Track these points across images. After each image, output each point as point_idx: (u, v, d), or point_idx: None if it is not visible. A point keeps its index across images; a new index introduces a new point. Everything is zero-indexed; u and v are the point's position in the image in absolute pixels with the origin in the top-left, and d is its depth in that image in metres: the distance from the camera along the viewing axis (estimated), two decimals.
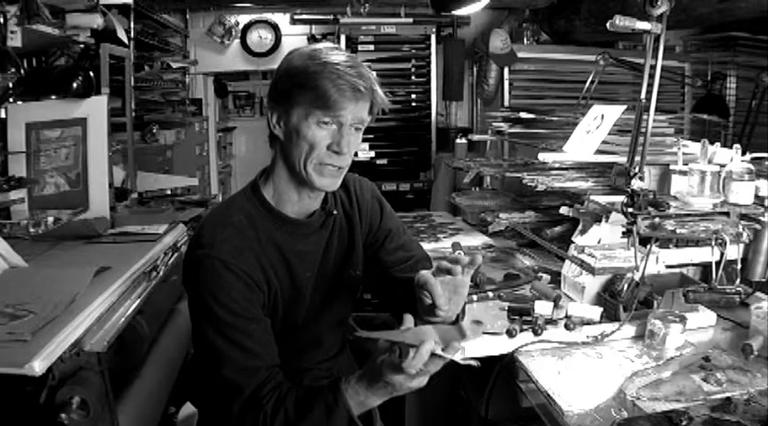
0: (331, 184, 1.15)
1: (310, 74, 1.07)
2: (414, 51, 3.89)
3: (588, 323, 1.43)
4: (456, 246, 2.08)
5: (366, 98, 1.10)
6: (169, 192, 2.82)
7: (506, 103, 3.87)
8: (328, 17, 4.13)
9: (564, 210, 1.83)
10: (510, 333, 1.38)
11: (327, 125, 1.09)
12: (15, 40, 1.84)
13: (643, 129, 1.51)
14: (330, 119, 1.09)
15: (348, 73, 1.07)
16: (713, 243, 1.53)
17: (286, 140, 1.13)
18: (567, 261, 1.69)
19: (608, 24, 1.48)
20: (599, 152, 1.86)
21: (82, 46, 2.32)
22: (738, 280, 1.59)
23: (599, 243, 1.65)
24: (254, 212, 1.17)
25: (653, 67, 1.49)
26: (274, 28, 4.20)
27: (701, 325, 1.46)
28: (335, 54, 1.10)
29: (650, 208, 1.49)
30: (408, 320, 0.99)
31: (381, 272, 1.33)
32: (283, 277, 1.18)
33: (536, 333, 1.38)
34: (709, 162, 1.64)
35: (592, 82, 2.66)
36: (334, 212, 1.25)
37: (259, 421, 1.03)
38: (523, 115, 2.48)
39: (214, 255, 1.08)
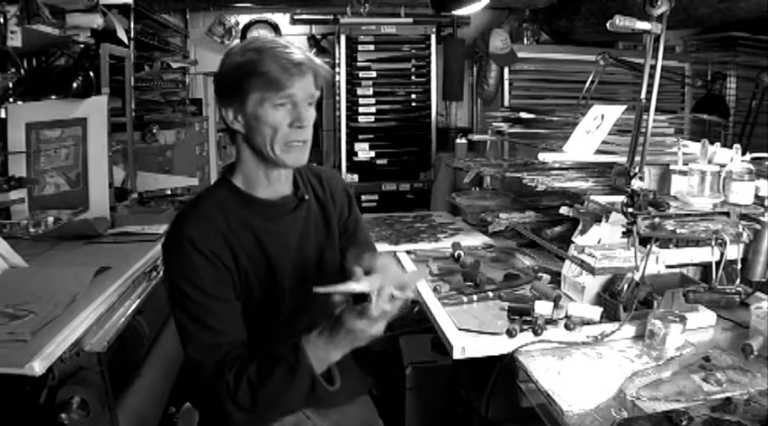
0: (299, 158, 1.20)
1: (253, 62, 1.12)
2: (414, 51, 3.89)
3: (588, 323, 1.43)
4: (456, 246, 2.08)
5: (310, 71, 1.15)
6: (169, 192, 2.82)
7: (506, 103, 3.86)
8: (328, 17, 4.13)
9: (564, 210, 1.83)
10: (510, 333, 1.38)
11: (283, 105, 1.14)
12: (15, 40, 1.84)
13: (643, 129, 1.51)
14: (284, 99, 1.14)
15: (285, 52, 1.13)
16: (713, 243, 1.53)
17: (248, 131, 1.18)
18: (567, 261, 1.69)
19: (608, 24, 1.48)
20: (599, 152, 1.86)
21: (82, 46, 2.32)
22: (738, 280, 1.58)
23: (599, 243, 1.65)
24: (223, 198, 1.21)
25: (653, 67, 1.49)
26: (274, 28, 4.20)
27: (701, 325, 1.46)
28: (268, 40, 1.17)
29: (650, 208, 1.49)
30: (358, 272, 1.03)
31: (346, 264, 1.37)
32: (257, 258, 1.20)
33: (536, 333, 1.38)
34: (710, 162, 1.64)
35: (592, 82, 2.66)
36: (306, 197, 1.29)
37: (223, 393, 1.05)
38: (523, 115, 2.48)
39: (182, 235, 1.14)
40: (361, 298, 0.98)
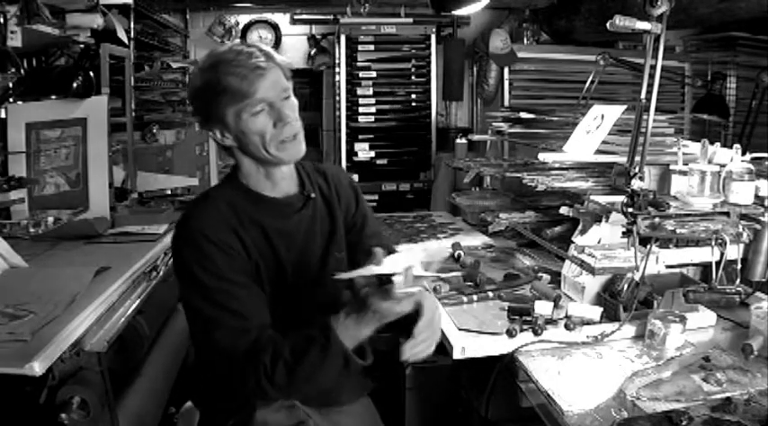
0: (297, 152, 1.21)
1: (212, 82, 1.12)
2: (414, 51, 3.88)
3: (588, 323, 1.43)
4: (456, 246, 2.08)
5: (271, 68, 1.14)
6: (169, 192, 2.82)
7: (506, 103, 3.86)
8: (328, 17, 4.12)
9: (564, 210, 1.83)
10: (510, 333, 1.38)
11: (260, 111, 1.14)
12: (15, 40, 1.84)
13: (643, 129, 1.51)
14: (257, 105, 1.13)
15: (239, 59, 1.12)
16: (713, 243, 1.53)
17: (239, 143, 1.19)
18: (567, 261, 1.69)
19: (608, 24, 1.48)
20: (599, 152, 1.86)
21: (82, 46, 2.32)
22: (738, 280, 1.58)
23: (599, 243, 1.65)
24: (232, 195, 1.22)
25: (653, 67, 1.49)
26: (274, 28, 4.19)
27: (701, 325, 1.46)
28: (220, 52, 1.16)
29: (650, 208, 1.49)
30: (378, 254, 1.03)
31: (358, 256, 1.35)
32: (266, 254, 1.21)
33: (536, 333, 1.38)
34: (710, 162, 1.64)
35: (592, 82, 2.66)
36: (312, 195, 1.29)
37: (260, 374, 1.05)
38: (523, 115, 2.48)
39: (194, 229, 1.14)
40: (385, 279, 0.99)
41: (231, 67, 1.11)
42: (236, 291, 1.12)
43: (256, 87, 1.12)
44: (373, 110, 3.84)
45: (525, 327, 1.40)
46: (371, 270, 1.01)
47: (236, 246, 1.16)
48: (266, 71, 1.13)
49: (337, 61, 3.84)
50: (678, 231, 1.52)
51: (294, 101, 1.20)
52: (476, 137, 3.15)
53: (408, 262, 0.99)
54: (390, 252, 1.34)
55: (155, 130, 3.14)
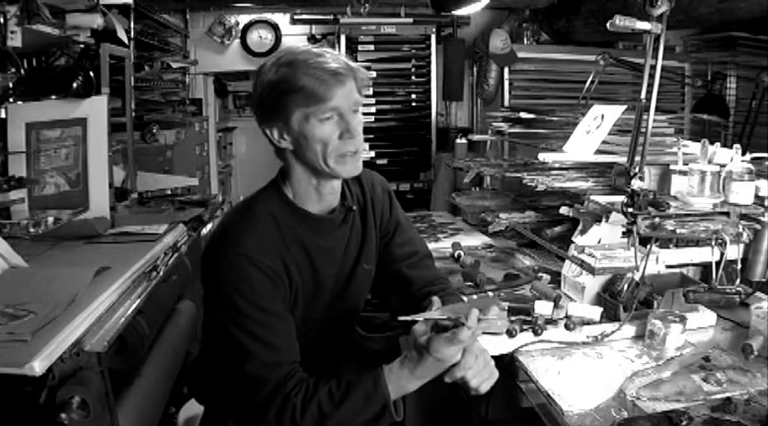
0: (354, 169, 1.17)
1: (288, 79, 1.08)
2: (414, 51, 3.89)
3: (588, 323, 1.43)
4: (456, 246, 2.08)
5: (349, 78, 1.11)
6: (169, 192, 2.82)
7: (506, 103, 3.87)
8: (328, 17, 4.13)
9: (564, 210, 1.83)
10: (510, 333, 1.37)
11: (329, 119, 1.10)
12: (15, 40, 1.84)
13: (643, 129, 1.51)
14: (328, 112, 1.09)
15: (320, 62, 1.08)
16: (713, 243, 1.53)
17: (297, 148, 1.14)
18: (567, 261, 1.69)
19: (608, 24, 1.48)
20: (599, 152, 1.86)
21: (82, 46, 2.32)
22: (738, 280, 1.58)
23: (599, 243, 1.65)
24: (277, 210, 1.18)
25: (653, 67, 1.49)
26: (274, 28, 4.20)
27: (701, 325, 1.46)
28: (299, 51, 1.12)
29: (650, 208, 1.49)
30: (437, 301, 1.03)
31: (387, 265, 1.34)
32: (307, 274, 1.19)
33: (536, 333, 1.38)
34: (710, 162, 1.64)
35: (592, 82, 2.66)
36: (353, 207, 1.27)
37: (286, 416, 1.02)
38: (523, 115, 2.48)
39: (239, 252, 1.09)
40: (439, 328, 1.00)
41: (311, 68, 1.07)
42: (272, 322, 1.09)
43: (333, 93, 1.08)
44: (373, 110, 3.84)
45: (525, 327, 1.40)
46: (433, 315, 1.00)
47: (281, 273, 1.12)
48: (345, 79, 1.09)
49: None
50: (678, 231, 1.52)
51: (361, 117, 1.16)
52: (476, 137, 3.15)
53: (469, 308, 0.99)
54: (424, 257, 1.35)
55: (155, 130, 3.14)
